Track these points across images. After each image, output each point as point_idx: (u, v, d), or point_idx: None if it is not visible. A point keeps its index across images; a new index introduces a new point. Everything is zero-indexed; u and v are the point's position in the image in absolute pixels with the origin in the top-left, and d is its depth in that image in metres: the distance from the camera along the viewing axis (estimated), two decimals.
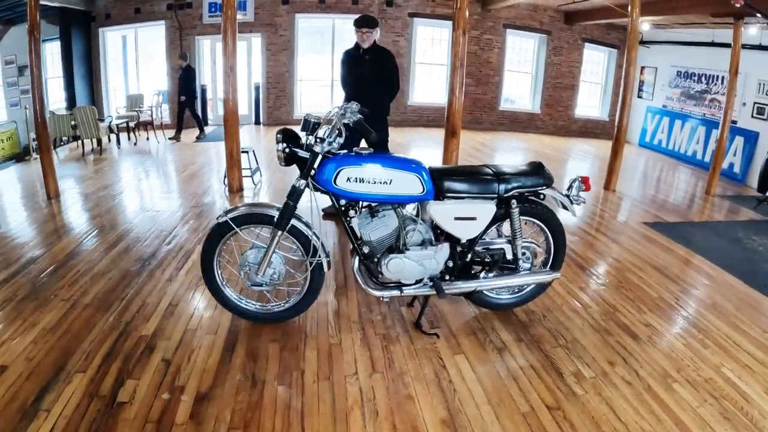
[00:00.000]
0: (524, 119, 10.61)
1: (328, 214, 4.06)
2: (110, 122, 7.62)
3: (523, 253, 2.48)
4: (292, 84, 10.25)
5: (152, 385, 2.02)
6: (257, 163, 5.62)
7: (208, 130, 9.28)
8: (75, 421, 1.80)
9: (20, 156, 6.81)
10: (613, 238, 4.08)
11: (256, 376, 2.11)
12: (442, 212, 2.20)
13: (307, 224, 2.30)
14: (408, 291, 2.31)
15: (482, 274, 2.40)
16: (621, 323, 2.66)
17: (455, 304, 2.73)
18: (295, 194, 2.19)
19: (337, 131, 2.12)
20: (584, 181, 2.47)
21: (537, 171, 2.35)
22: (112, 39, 9.74)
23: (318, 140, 2.09)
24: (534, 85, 10.70)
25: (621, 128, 5.39)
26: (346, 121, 2.17)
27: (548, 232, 2.52)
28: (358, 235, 2.26)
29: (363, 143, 3.37)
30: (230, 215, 2.26)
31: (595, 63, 11.04)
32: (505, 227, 2.52)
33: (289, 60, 10.08)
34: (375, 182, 2.10)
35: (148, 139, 8.07)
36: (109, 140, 7.84)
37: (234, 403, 1.92)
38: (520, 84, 11.01)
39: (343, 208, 2.25)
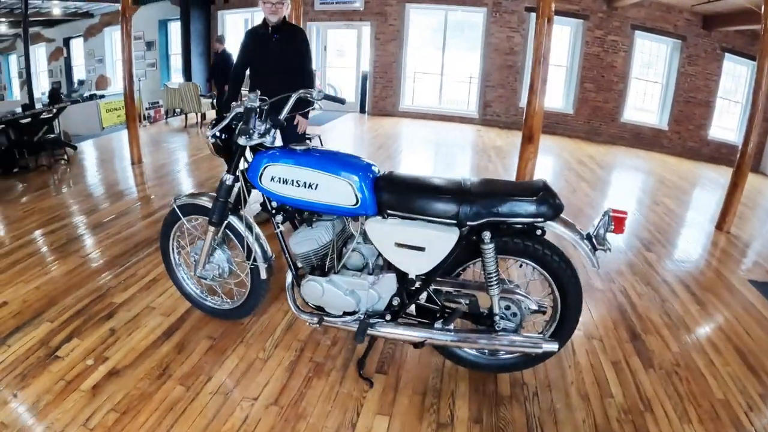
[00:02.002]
0: (648, 135, 8.99)
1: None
2: (213, 99, 8.22)
3: (507, 308, 1.85)
4: (399, 75, 10.07)
5: (88, 349, 2.14)
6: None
7: (313, 114, 9.51)
8: (19, 360, 2.03)
9: None
10: (697, 296, 3.07)
11: (169, 368, 2.04)
12: (380, 233, 1.73)
13: (248, 224, 2.03)
14: (329, 322, 1.90)
15: (437, 324, 1.84)
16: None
17: (425, 350, 2.20)
18: (222, 189, 1.96)
19: (268, 123, 1.82)
20: (616, 219, 1.70)
21: (530, 194, 1.65)
22: (232, 21, 10.54)
23: (243, 131, 1.80)
24: (663, 97, 8.99)
25: (745, 155, 4.13)
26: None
27: (553, 283, 1.82)
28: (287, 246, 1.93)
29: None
30: (177, 203, 2.14)
31: (737, 78, 8.90)
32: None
33: (398, 51, 9.91)
34: (299, 185, 1.74)
35: None
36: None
37: (132, 387, 1.92)
38: (647, 95, 9.37)
39: (273, 211, 1.93)
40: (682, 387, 2.14)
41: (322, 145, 5.88)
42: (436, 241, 1.67)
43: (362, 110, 10.57)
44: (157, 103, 8.07)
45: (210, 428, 1.71)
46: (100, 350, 2.12)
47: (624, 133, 9.09)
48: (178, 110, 8.29)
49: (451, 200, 1.64)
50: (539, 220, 1.67)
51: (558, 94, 9.58)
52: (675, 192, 5.91)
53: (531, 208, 1.64)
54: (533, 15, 8.97)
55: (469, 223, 1.65)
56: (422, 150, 7.37)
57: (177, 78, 10.53)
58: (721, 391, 2.15)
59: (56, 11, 10.98)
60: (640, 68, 9.17)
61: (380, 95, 10.35)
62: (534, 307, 1.86)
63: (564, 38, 9.23)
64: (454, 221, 1.65)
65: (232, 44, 10.65)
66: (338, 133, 8.33)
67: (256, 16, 10.34)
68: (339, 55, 11.29)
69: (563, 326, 1.87)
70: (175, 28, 10.46)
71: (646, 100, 9.40)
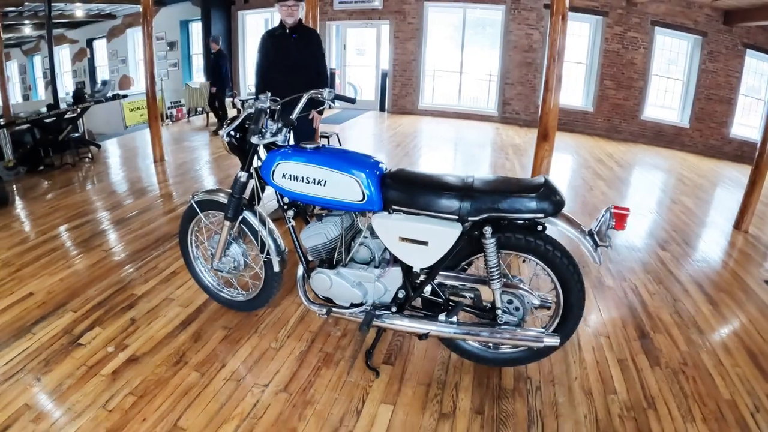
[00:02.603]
0: (669, 133, 8.81)
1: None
2: (233, 98, 8.38)
3: (510, 302, 1.88)
4: (418, 73, 10.11)
5: (108, 337, 2.26)
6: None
7: (333, 112, 9.61)
8: (43, 347, 2.17)
9: None
10: (710, 296, 3.02)
11: (185, 356, 2.14)
12: (385, 228, 1.79)
13: (261, 218, 2.12)
14: (337, 313, 1.97)
15: (441, 317, 1.88)
16: (645, 430, 1.82)
17: (432, 342, 2.26)
18: (236, 186, 2.06)
19: (281, 121, 1.91)
20: (617, 216, 1.71)
21: (531, 190, 1.68)
22: (252, 21, 10.71)
23: (255, 131, 1.89)
24: (684, 94, 8.80)
25: (764, 153, 4.05)
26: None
27: (555, 278, 1.85)
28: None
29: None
30: (195, 199, 2.24)
31: (759, 75, 8.61)
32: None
33: (417, 49, 9.94)
34: (308, 181, 1.82)
35: None
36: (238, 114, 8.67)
37: (150, 373, 2.02)
38: (667, 92, 9.18)
39: (285, 207, 2.01)
40: (688, 386, 2.13)
41: (340, 143, 5.97)
42: (439, 235, 1.73)
43: (382, 108, 10.63)
44: (179, 102, 8.28)
45: (222, 412, 1.81)
46: (121, 338, 2.24)
47: (644, 131, 8.93)
48: (199, 109, 8.49)
49: (452, 196, 1.69)
50: (540, 216, 1.69)
51: (578, 92, 9.47)
52: (694, 190, 5.80)
53: (531, 204, 1.67)
54: None
55: (470, 218, 1.70)
56: (440, 148, 7.39)
57: (199, 77, 10.78)
58: (728, 391, 2.12)
59: (79, 13, 11.32)
60: (661, 65, 9.00)
61: (399, 93, 10.39)
62: (536, 302, 1.89)
63: (583, 35, 9.12)
64: (456, 216, 1.70)
65: (253, 44, 10.90)
66: (357, 131, 8.40)
67: (275, 17, 10.45)
68: (359, 54, 11.37)
69: (566, 321, 1.89)
70: (196, 29, 10.71)
71: (667, 97, 9.22)
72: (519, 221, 1.76)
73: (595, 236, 1.75)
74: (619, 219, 1.71)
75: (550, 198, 1.67)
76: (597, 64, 8.92)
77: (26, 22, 11.73)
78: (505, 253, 1.85)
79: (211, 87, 7.27)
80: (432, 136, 8.16)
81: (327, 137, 5.39)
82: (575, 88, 9.44)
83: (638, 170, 6.93)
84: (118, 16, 12.24)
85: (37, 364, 2.05)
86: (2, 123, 5.18)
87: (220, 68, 7.26)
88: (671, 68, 9.09)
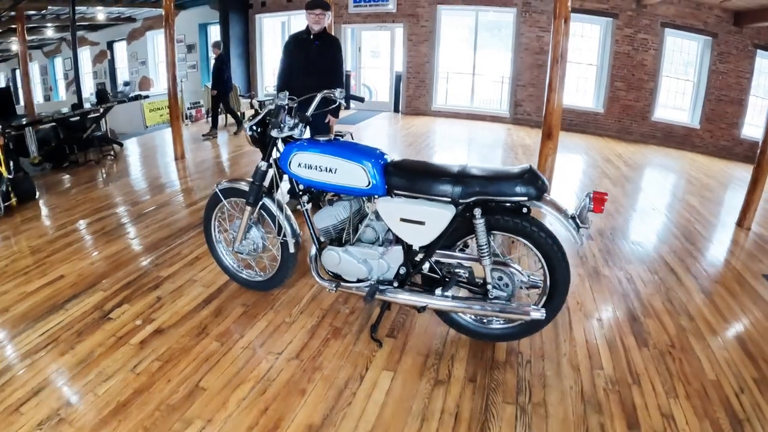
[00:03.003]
0: (680, 134, 8.83)
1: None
2: (251, 99, 8.67)
3: (500, 278, 2.06)
4: (431, 75, 10.28)
5: (136, 313, 2.49)
6: None
7: (348, 113, 9.84)
8: (76, 320, 2.40)
9: None
10: (705, 287, 3.11)
11: (207, 328, 2.35)
12: (388, 210, 1.99)
13: (279, 204, 2.34)
14: (344, 288, 2.19)
15: (437, 291, 2.08)
16: (628, 402, 1.93)
17: (433, 319, 2.45)
18: (257, 175, 2.29)
19: (297, 117, 2.13)
20: (595, 199, 1.86)
21: (515, 176, 1.85)
22: (270, 24, 11.00)
23: (275, 125, 2.14)
24: (695, 95, 8.81)
25: (765, 151, 4.14)
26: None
27: (542, 258, 2.00)
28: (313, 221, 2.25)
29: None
30: (219, 187, 2.46)
31: None
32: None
33: (430, 51, 10.11)
34: (321, 170, 2.05)
35: None
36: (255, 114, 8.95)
37: (174, 342, 2.23)
38: (678, 93, 9.21)
39: (301, 193, 2.25)
40: (674, 366, 2.22)
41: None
42: (434, 216, 1.93)
43: (396, 109, 10.82)
44: (198, 103, 8.57)
45: (239, 375, 2.01)
46: (148, 313, 2.47)
47: (655, 132, 8.97)
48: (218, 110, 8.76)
49: (446, 182, 1.90)
50: (524, 199, 1.87)
51: (589, 93, 9.54)
52: (700, 190, 5.86)
53: (516, 188, 1.85)
54: None
55: (462, 200, 1.90)
56: (452, 148, 7.54)
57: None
58: (714, 372, 2.19)
59: (100, 17, 11.71)
60: (671, 66, 9.04)
61: (413, 95, 10.56)
62: (525, 279, 2.07)
63: (594, 37, 9.20)
64: (449, 199, 1.90)
65: (270, 46, 11.19)
66: (371, 131, 8.61)
67: (292, 20, 10.78)
68: (373, 56, 11.58)
69: (553, 298, 2.06)
70: (214, 32, 11.04)
71: (678, 98, 9.24)
72: (506, 204, 1.94)
73: (577, 219, 1.91)
74: (597, 202, 1.87)
75: (533, 183, 1.85)
76: (607, 66, 8.99)
77: (48, 25, 12.16)
78: (497, 234, 2.03)
79: (212, 90, 7.52)
80: (444, 137, 8.32)
81: (341, 136, 5.61)
82: (586, 90, 9.51)
83: (646, 170, 6.99)
84: (138, 19, 12.65)
85: (70, 335, 2.27)
86: (26, 122, 5.44)
87: (222, 72, 7.49)
88: (681, 69, 9.12)
